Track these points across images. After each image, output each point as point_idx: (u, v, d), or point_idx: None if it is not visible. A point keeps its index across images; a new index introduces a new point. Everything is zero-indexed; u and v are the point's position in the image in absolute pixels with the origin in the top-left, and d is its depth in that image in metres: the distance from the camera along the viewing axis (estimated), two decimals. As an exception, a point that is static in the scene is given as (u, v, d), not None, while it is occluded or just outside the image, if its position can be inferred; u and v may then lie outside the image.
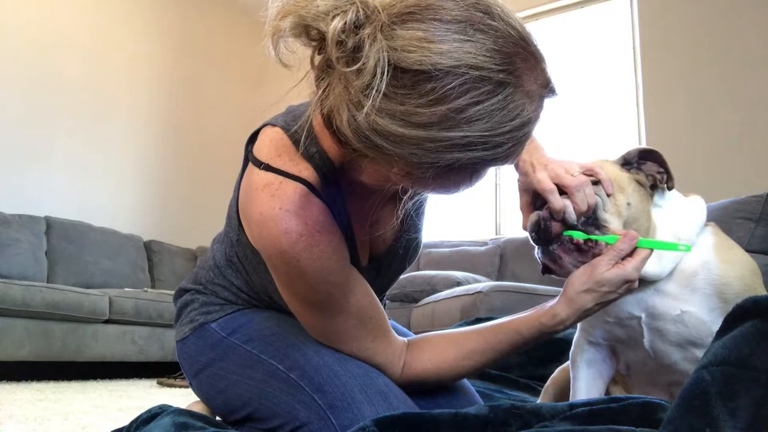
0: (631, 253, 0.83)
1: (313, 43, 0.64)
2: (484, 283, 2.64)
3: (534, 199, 0.92)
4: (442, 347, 0.92)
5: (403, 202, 0.78)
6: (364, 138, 0.61)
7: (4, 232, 3.35)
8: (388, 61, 0.58)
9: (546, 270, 0.93)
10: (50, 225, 3.66)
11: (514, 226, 4.04)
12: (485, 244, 3.79)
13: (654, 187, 0.94)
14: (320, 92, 0.64)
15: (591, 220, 0.87)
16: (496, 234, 4.10)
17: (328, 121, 0.67)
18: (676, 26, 3.54)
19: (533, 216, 0.90)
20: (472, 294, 2.53)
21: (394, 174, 0.67)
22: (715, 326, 0.86)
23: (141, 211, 4.49)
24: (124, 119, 4.44)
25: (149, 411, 0.93)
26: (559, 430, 0.64)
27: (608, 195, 0.89)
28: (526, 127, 0.62)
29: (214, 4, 5.24)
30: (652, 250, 0.84)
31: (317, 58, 0.65)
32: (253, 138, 0.86)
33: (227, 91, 5.26)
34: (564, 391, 1.10)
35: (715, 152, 3.25)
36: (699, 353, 0.88)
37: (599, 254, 0.85)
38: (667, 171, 0.93)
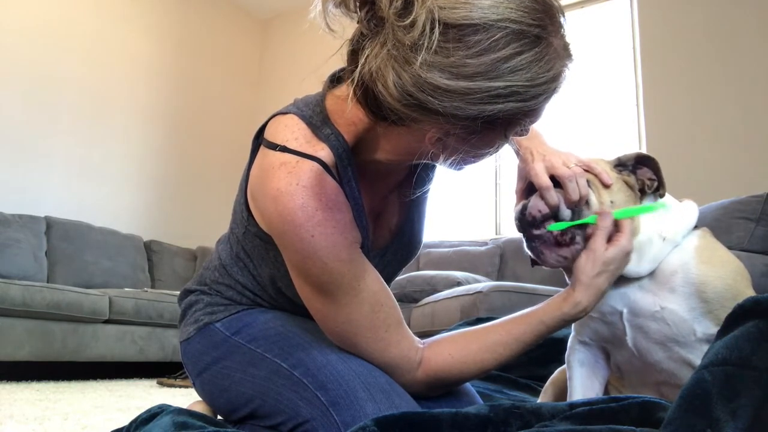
0: (617, 229, 0.88)
1: (354, 15, 0.69)
2: (484, 283, 2.64)
3: (529, 186, 0.96)
4: (463, 341, 0.90)
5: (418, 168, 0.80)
6: (409, 96, 0.66)
7: (4, 232, 3.35)
8: (438, 18, 0.63)
9: (534, 263, 0.97)
10: (50, 225, 3.66)
11: (514, 227, 4.04)
12: (485, 244, 3.79)
13: (642, 192, 0.95)
14: (363, 58, 0.68)
15: (578, 214, 0.89)
16: (496, 234, 4.10)
17: (364, 91, 0.71)
18: (676, 26, 3.54)
19: (519, 206, 0.95)
20: (472, 294, 2.53)
21: (429, 138, 0.71)
22: (697, 324, 0.87)
23: (141, 211, 4.49)
24: (124, 119, 4.44)
25: (149, 411, 0.93)
26: (559, 429, 0.64)
27: (607, 186, 0.92)
28: (557, 81, 0.69)
29: (214, 4, 5.24)
30: (632, 218, 0.89)
31: (363, 23, 0.70)
32: (260, 132, 0.88)
33: (227, 91, 5.26)
34: (564, 391, 1.10)
35: (716, 152, 3.25)
36: (682, 352, 0.89)
37: (577, 245, 0.89)
38: (659, 179, 0.94)
